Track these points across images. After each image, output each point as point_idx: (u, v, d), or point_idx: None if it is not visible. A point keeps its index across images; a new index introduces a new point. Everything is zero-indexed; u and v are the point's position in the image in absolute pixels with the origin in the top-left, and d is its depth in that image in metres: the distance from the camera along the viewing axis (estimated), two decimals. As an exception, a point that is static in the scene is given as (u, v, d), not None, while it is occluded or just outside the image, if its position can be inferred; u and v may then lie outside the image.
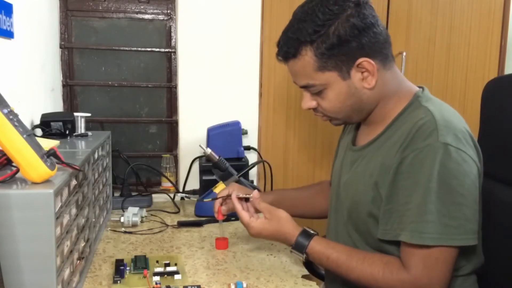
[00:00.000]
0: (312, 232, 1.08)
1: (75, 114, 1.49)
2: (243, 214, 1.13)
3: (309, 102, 1.08)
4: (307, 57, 1.01)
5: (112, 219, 1.53)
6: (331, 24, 0.98)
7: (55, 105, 1.79)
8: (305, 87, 1.06)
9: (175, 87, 1.93)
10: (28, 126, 1.29)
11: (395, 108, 1.06)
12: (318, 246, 1.05)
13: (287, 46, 1.03)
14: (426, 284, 0.95)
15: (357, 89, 1.03)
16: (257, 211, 1.17)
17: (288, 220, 1.10)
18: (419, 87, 1.10)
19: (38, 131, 1.40)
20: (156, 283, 1.05)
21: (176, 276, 1.10)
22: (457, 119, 1.00)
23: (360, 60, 1.00)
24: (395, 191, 0.97)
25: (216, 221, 1.56)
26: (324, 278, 1.43)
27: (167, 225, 1.51)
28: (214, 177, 1.64)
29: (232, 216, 1.60)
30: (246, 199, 1.17)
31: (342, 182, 1.15)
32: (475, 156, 0.97)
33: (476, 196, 0.96)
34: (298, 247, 1.07)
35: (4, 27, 1.25)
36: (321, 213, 1.36)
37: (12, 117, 0.81)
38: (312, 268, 1.44)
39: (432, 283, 0.95)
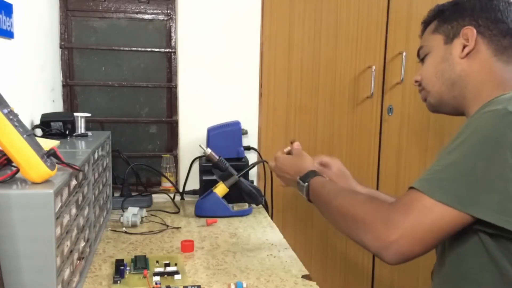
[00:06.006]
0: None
1: (75, 114, 1.49)
2: (277, 153, 1.29)
3: (416, 76, 1.12)
4: (434, 21, 1.09)
5: (112, 219, 1.53)
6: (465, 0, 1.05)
7: (55, 105, 1.79)
8: (418, 52, 1.11)
9: (175, 87, 1.93)
10: (28, 126, 1.29)
11: None
12: (321, 178, 1.12)
13: (428, 14, 1.12)
14: (398, 223, 0.84)
15: (452, 56, 1.02)
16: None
17: (310, 159, 1.21)
18: None
19: (38, 131, 1.40)
20: (156, 283, 1.05)
21: (176, 276, 1.10)
22: None
23: (467, 28, 1.01)
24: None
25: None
26: None
27: (167, 225, 1.51)
28: (214, 177, 1.64)
29: (235, 215, 1.61)
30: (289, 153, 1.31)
31: None
32: None
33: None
34: (305, 177, 1.13)
35: (4, 27, 1.25)
36: None
37: (12, 117, 0.81)
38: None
39: (405, 226, 0.84)
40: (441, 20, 1.06)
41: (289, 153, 1.29)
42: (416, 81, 1.11)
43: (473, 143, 0.84)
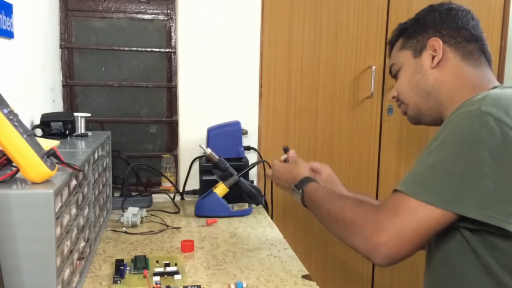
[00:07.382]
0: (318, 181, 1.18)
1: (75, 114, 1.49)
2: (274, 161, 1.34)
3: (392, 91, 1.15)
4: (399, 40, 1.12)
5: (112, 219, 1.53)
6: (425, 15, 1.09)
7: (55, 105, 1.79)
8: (390, 69, 1.15)
9: (175, 87, 1.93)
10: (28, 126, 1.29)
11: None
12: (314, 184, 1.14)
13: (392, 34, 1.16)
14: (386, 225, 0.86)
15: (423, 67, 1.06)
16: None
17: (305, 166, 1.25)
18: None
19: (38, 131, 1.40)
20: (156, 283, 1.05)
21: (176, 276, 1.10)
22: None
23: (432, 39, 1.04)
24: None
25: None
26: None
27: (167, 225, 1.51)
28: (214, 177, 1.65)
29: (235, 215, 1.61)
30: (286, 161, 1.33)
31: None
32: None
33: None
34: (300, 184, 1.16)
35: (4, 27, 1.25)
36: None
37: (12, 117, 0.81)
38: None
39: (392, 229, 0.85)
40: (406, 37, 1.10)
41: (286, 161, 1.32)
42: (394, 97, 1.15)
43: (451, 143, 0.86)
